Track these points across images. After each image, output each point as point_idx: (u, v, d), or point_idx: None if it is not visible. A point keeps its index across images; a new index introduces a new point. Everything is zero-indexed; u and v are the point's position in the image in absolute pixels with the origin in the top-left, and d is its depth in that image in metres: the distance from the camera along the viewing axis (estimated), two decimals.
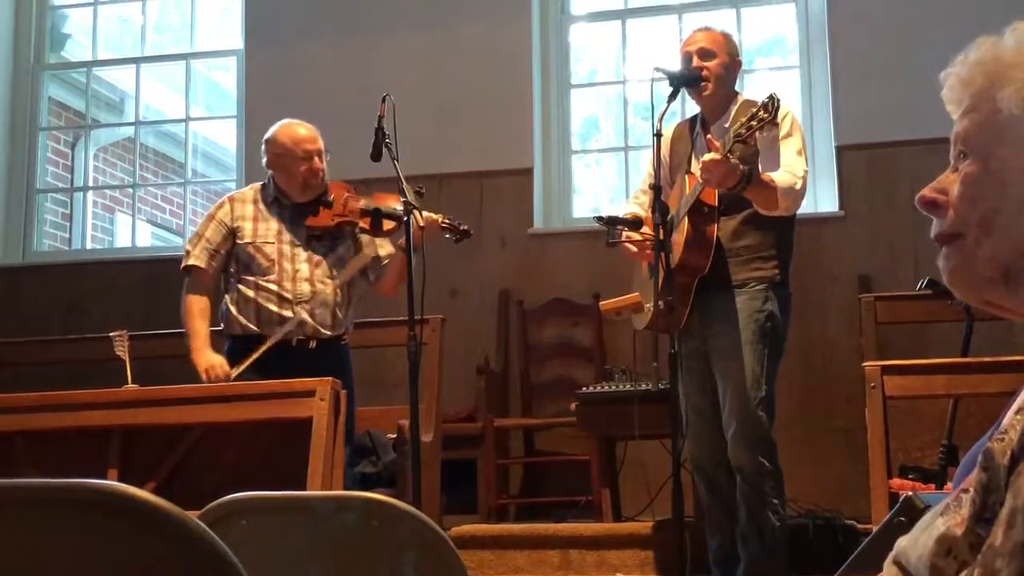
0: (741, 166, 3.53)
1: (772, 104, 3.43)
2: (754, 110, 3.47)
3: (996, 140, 1.06)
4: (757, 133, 3.50)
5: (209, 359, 3.84)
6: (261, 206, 4.01)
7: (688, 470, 3.94)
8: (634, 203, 4.08)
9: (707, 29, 3.97)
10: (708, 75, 3.82)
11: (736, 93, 3.94)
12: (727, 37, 3.93)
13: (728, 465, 3.79)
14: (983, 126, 1.07)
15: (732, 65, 3.89)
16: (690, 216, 3.68)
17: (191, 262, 3.99)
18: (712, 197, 3.68)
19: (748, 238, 3.76)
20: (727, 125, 3.72)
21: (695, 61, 3.83)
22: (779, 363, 3.80)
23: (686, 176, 3.79)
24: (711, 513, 3.89)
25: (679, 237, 3.70)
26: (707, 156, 3.50)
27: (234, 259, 3.96)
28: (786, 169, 3.65)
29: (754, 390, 3.67)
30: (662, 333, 3.79)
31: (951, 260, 1.08)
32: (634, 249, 3.86)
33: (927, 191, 1.10)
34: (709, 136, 3.63)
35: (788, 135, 3.73)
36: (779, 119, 3.62)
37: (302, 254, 3.93)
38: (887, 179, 5.51)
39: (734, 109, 3.81)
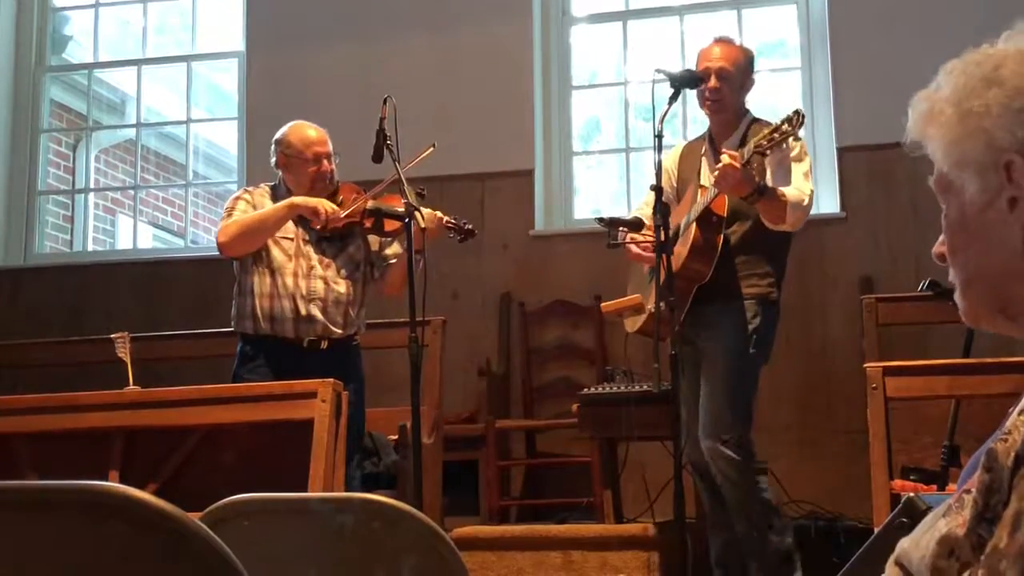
0: (756, 178, 3.55)
1: (797, 118, 3.47)
2: (778, 123, 3.50)
3: (946, 191, 1.11)
4: (776, 147, 3.52)
5: (310, 198, 3.87)
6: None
7: (689, 471, 3.94)
8: (638, 213, 4.07)
9: (726, 43, 3.95)
10: (721, 97, 3.84)
11: (747, 111, 3.95)
12: (746, 55, 3.93)
13: None
14: (936, 179, 1.12)
15: (747, 84, 3.92)
16: (699, 224, 3.72)
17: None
18: (722, 207, 3.72)
19: (745, 254, 3.79)
20: (737, 142, 3.76)
21: (713, 81, 3.83)
22: (760, 368, 3.85)
23: (698, 189, 3.81)
24: (713, 514, 3.90)
25: (684, 243, 3.73)
26: (724, 160, 3.51)
27: None
28: (795, 187, 3.69)
29: (732, 396, 3.73)
30: (654, 337, 3.81)
31: (959, 306, 1.13)
32: (636, 250, 3.87)
33: (937, 247, 1.15)
34: (725, 150, 3.64)
35: (798, 158, 3.77)
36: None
37: (314, 253, 3.94)
38: (888, 180, 5.51)
39: (744, 127, 3.86)
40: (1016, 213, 1.04)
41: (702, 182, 3.82)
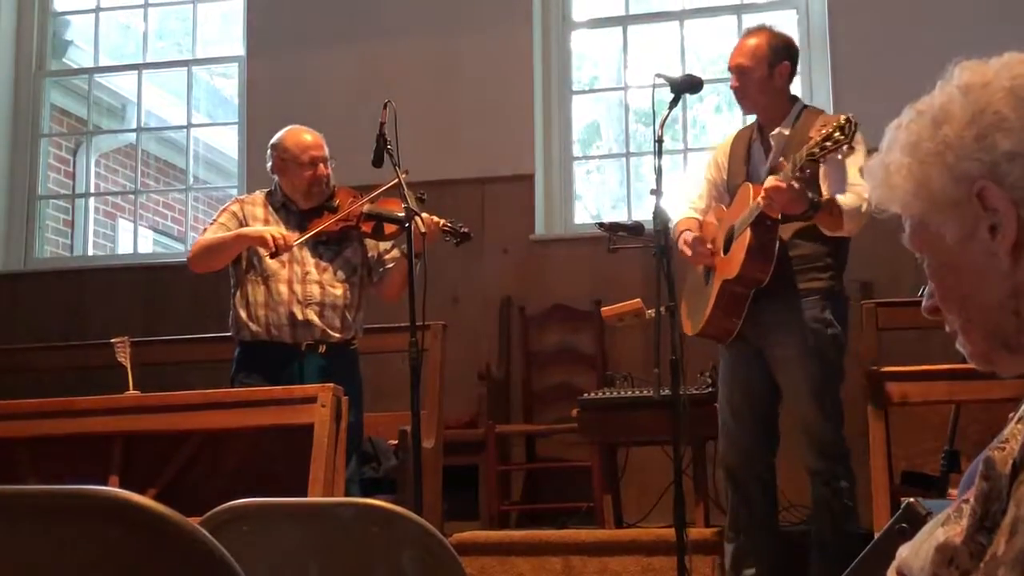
0: (808, 193, 3.42)
1: (849, 127, 3.29)
2: (830, 131, 3.31)
3: (925, 242, 1.11)
4: (830, 156, 3.37)
5: (266, 228, 3.89)
6: (270, 210, 4.03)
7: (689, 476, 3.93)
8: (690, 209, 3.95)
9: (748, 36, 3.85)
10: (742, 96, 3.77)
11: (794, 98, 3.84)
12: (770, 44, 3.79)
13: (757, 470, 3.77)
14: (911, 234, 1.13)
15: (773, 75, 3.77)
16: (753, 228, 3.56)
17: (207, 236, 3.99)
18: (775, 210, 3.54)
19: (802, 248, 3.68)
20: (787, 132, 3.67)
21: (732, 79, 3.77)
22: (843, 370, 3.76)
23: (750, 187, 3.64)
24: (735, 514, 3.84)
25: (739, 248, 3.62)
26: (770, 182, 3.40)
27: (244, 257, 3.95)
28: (851, 189, 3.51)
29: (818, 398, 3.65)
30: (714, 340, 3.79)
31: (966, 352, 1.13)
32: (689, 252, 3.77)
33: (926, 303, 1.15)
34: (780, 161, 3.54)
35: (852, 150, 3.55)
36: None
37: (310, 258, 3.94)
38: None
39: (794, 115, 3.74)
40: (999, 239, 1.02)
41: (751, 178, 3.71)
